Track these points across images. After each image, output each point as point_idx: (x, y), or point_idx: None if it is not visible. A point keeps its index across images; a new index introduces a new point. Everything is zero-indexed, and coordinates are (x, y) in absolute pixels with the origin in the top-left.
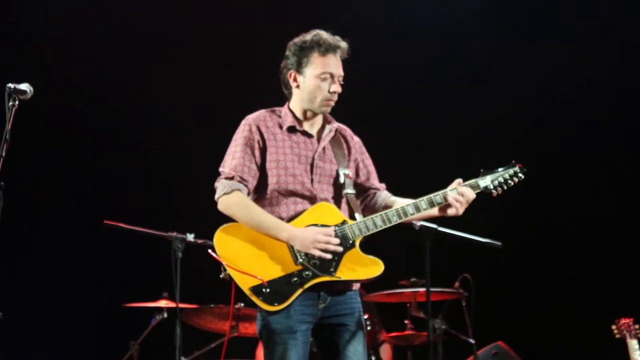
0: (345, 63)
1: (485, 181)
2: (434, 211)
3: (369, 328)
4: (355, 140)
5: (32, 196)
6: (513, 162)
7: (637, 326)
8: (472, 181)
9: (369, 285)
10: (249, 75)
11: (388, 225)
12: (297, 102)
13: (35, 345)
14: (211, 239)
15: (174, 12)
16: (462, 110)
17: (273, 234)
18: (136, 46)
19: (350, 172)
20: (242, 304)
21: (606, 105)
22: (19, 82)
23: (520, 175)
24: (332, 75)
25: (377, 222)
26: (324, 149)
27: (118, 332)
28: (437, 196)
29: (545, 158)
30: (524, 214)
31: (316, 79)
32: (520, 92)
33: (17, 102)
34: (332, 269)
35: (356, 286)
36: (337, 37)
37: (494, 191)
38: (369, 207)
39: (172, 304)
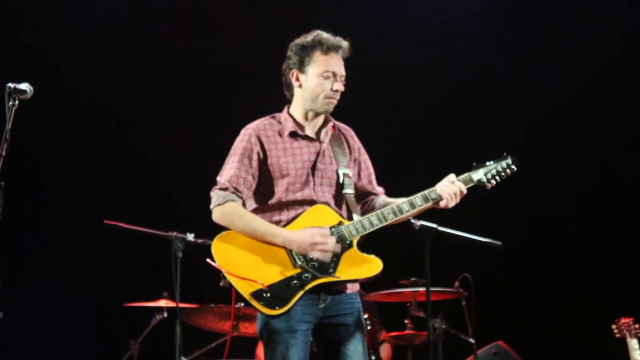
0: (345, 62)
1: (479, 174)
2: (429, 205)
3: (368, 328)
4: (356, 140)
5: (33, 196)
6: (505, 154)
7: (637, 326)
8: (465, 175)
9: (368, 285)
10: (249, 75)
11: (384, 223)
12: (298, 103)
13: (36, 344)
14: (211, 238)
15: (175, 13)
16: (462, 109)
17: (269, 239)
18: (137, 46)
19: (350, 171)
20: (242, 304)
21: (606, 104)
22: (19, 82)
23: (512, 167)
24: (334, 74)
25: (373, 221)
26: (324, 150)
27: (118, 332)
28: (431, 192)
29: (546, 157)
30: (524, 213)
31: (319, 78)
32: (521, 91)
33: (17, 102)
34: (331, 270)
35: (356, 287)
36: (339, 37)
37: (487, 184)
38: (368, 212)
39: (172, 304)
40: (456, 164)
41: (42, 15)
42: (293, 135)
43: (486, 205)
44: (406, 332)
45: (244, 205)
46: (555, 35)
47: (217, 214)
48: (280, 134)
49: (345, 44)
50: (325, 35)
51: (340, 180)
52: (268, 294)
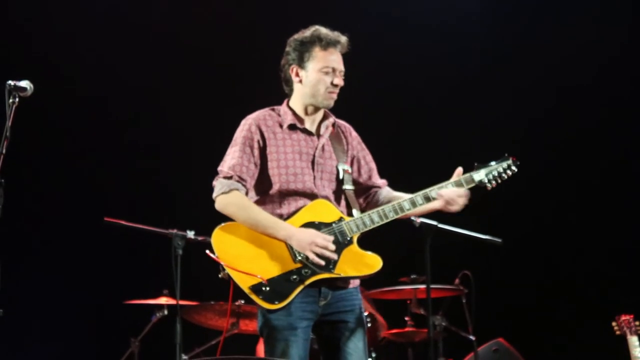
0: (345, 61)
1: (480, 175)
2: (433, 205)
3: (369, 325)
4: (354, 136)
5: (33, 193)
6: (506, 154)
7: (637, 323)
8: (466, 175)
9: (368, 282)
10: (248, 72)
11: (385, 221)
12: (298, 98)
13: (36, 342)
14: (211, 236)
15: (175, 10)
16: (462, 108)
17: (270, 232)
18: (137, 43)
19: (349, 167)
20: (243, 301)
21: (607, 103)
22: (19, 79)
23: (513, 168)
24: (334, 70)
25: (373, 218)
26: (323, 145)
27: (118, 329)
28: (432, 191)
29: (546, 155)
30: (524, 210)
31: (319, 73)
32: (521, 90)
33: (17, 100)
34: (331, 266)
35: (357, 282)
36: (337, 32)
37: (488, 184)
38: (372, 205)
39: (172, 301)
40: (456, 163)
41: (42, 13)
42: (292, 127)
43: (486, 202)
44: (406, 329)
45: (247, 194)
46: (556, 34)
47: (221, 203)
48: (280, 126)
49: (343, 39)
50: (324, 30)
51: (340, 176)
52: (267, 288)
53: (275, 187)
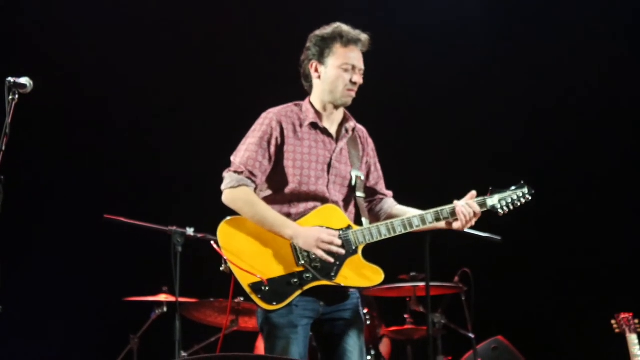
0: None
1: (493, 200)
2: (440, 224)
3: (368, 322)
4: (369, 142)
5: (32, 190)
6: (522, 182)
7: (636, 321)
8: (480, 199)
9: None
10: (248, 70)
11: (392, 235)
12: (317, 95)
13: (36, 338)
14: (211, 233)
15: (177, 8)
16: (462, 108)
17: (277, 230)
18: (137, 40)
19: (362, 174)
20: (242, 298)
21: (608, 102)
22: (19, 76)
23: (528, 197)
24: (353, 67)
25: (381, 231)
26: (341, 149)
27: (118, 326)
28: (444, 210)
29: (546, 153)
30: (524, 208)
31: (338, 70)
32: (522, 90)
33: (17, 96)
34: (332, 274)
35: None
36: (358, 30)
37: (500, 211)
38: (373, 213)
39: (171, 298)
40: (456, 163)
41: (42, 9)
42: (314, 126)
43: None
44: (406, 326)
45: (255, 190)
46: (556, 34)
47: (229, 197)
48: (301, 124)
49: (364, 37)
50: (345, 27)
51: (353, 183)
52: (267, 288)
53: (289, 187)
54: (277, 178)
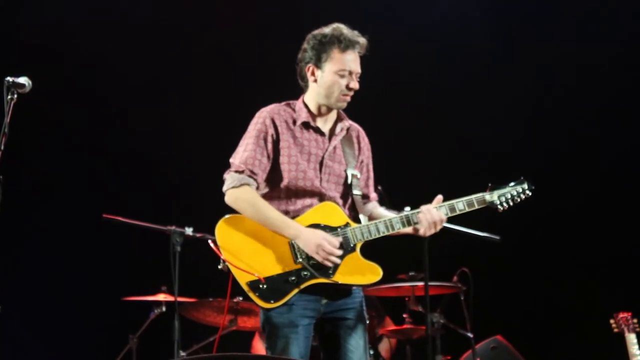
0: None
1: (493, 196)
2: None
3: (367, 322)
4: (366, 142)
5: (31, 190)
6: (522, 178)
7: (635, 320)
8: (478, 195)
9: None
10: (248, 69)
11: (391, 232)
12: (312, 96)
13: (35, 338)
14: (210, 232)
15: (173, 6)
16: (462, 108)
17: (279, 230)
18: (136, 40)
19: (358, 173)
20: (241, 298)
21: (607, 102)
22: (18, 76)
23: (527, 192)
24: (350, 72)
25: (380, 228)
26: (334, 148)
27: (117, 326)
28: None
29: (546, 152)
30: (523, 207)
31: (335, 75)
32: (523, 89)
33: (15, 96)
34: (330, 272)
35: None
36: (357, 32)
37: (499, 207)
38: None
39: (170, 298)
40: (456, 162)
41: (41, 8)
42: (305, 125)
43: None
44: (404, 326)
45: (257, 188)
46: (556, 34)
47: (231, 197)
48: (294, 122)
49: (362, 40)
50: (344, 30)
51: (349, 181)
52: (264, 286)
53: (284, 183)
54: (273, 175)
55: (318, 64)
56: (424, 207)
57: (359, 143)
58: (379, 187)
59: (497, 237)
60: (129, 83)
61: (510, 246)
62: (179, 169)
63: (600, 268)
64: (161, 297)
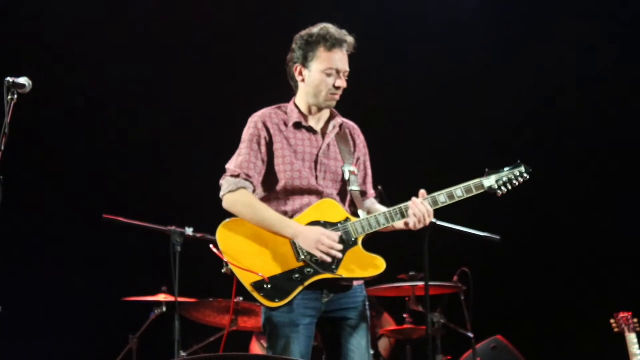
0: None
1: (490, 181)
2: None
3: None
4: (361, 139)
5: (31, 190)
6: (518, 162)
7: (635, 320)
8: (476, 181)
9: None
10: (249, 70)
11: (391, 223)
12: (302, 97)
13: (35, 338)
14: (210, 233)
15: (175, 7)
16: (462, 108)
17: (278, 230)
18: (135, 40)
19: (356, 169)
20: (241, 298)
21: (607, 103)
22: (18, 76)
23: (525, 175)
24: (337, 71)
25: (380, 220)
26: (328, 145)
27: (117, 326)
28: (440, 195)
29: (546, 152)
30: (523, 207)
31: (322, 74)
32: (523, 89)
33: (16, 96)
34: (333, 267)
35: (360, 280)
36: (344, 32)
37: (498, 191)
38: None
39: (171, 298)
40: (456, 162)
41: (41, 8)
42: (297, 126)
43: (484, 199)
44: (405, 326)
45: (254, 191)
46: (556, 34)
47: (229, 202)
48: (286, 124)
49: (350, 38)
50: (331, 29)
51: (346, 177)
52: (269, 286)
53: (281, 184)
54: (270, 178)
55: (305, 63)
56: (413, 199)
57: (354, 140)
58: (379, 187)
59: (497, 237)
60: (129, 83)
61: (510, 246)
62: (179, 169)
63: (601, 268)
64: (161, 297)
